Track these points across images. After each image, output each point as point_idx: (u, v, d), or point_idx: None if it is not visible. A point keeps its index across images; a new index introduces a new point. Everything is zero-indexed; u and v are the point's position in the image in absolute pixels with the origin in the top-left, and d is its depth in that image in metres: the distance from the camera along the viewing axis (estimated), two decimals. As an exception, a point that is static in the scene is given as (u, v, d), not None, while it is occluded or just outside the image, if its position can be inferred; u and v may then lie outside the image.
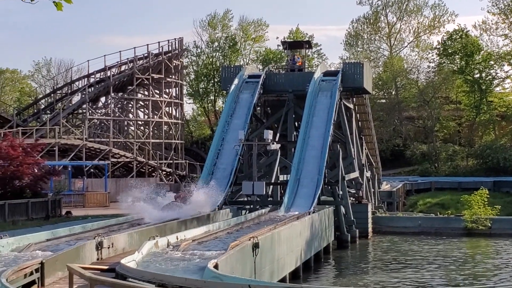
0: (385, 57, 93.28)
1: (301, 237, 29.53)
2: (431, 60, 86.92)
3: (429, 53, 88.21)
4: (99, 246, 21.09)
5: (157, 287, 14.41)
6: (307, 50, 58.33)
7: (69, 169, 54.45)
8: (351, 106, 50.40)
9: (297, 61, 50.85)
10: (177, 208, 32.12)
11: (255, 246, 21.43)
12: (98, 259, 20.90)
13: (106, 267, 17.92)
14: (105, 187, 54.11)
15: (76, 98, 67.80)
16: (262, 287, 13.75)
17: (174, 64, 69.17)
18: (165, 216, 30.19)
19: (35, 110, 70.07)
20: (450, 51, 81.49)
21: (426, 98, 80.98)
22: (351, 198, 44.37)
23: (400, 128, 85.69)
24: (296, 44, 55.58)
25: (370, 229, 43.95)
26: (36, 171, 41.57)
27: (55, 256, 18.62)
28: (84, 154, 56.67)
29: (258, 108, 49.86)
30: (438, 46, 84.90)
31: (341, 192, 41.08)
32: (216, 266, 17.41)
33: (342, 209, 40.90)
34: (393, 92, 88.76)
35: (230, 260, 19.28)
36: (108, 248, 21.70)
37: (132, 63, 66.61)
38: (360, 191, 46.38)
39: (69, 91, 69.64)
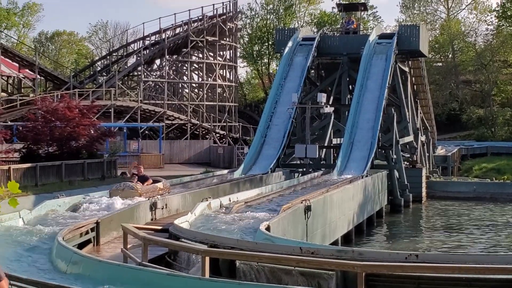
0: (442, 19, 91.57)
1: (354, 201, 29.47)
2: (490, 23, 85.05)
3: (488, 15, 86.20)
4: (153, 206, 21.41)
5: (209, 248, 14.57)
6: (362, 13, 57.49)
7: (124, 130, 55.09)
8: (407, 69, 49.74)
9: (352, 23, 50.23)
10: (126, 191, 22.83)
11: (307, 209, 21.47)
12: (152, 220, 21.22)
13: (159, 228, 18.17)
14: (160, 148, 54.70)
15: (131, 61, 68.48)
16: (313, 250, 13.78)
17: (228, 26, 69.06)
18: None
19: (92, 72, 70.94)
20: (509, 14, 79.40)
21: (484, 62, 79.37)
22: (405, 162, 43.96)
23: (457, 92, 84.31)
24: (351, 6, 54.81)
25: (424, 194, 43.57)
26: (92, 132, 42.13)
27: (110, 216, 18.98)
28: (139, 116, 57.26)
29: (312, 71, 49.58)
30: (497, 8, 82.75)
31: (395, 156, 40.72)
32: (268, 228, 17.50)
33: (396, 173, 40.58)
34: (450, 56, 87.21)
35: (282, 222, 19.37)
36: (162, 208, 22.01)
37: (187, 26, 66.76)
38: (414, 155, 45.93)
39: (125, 54, 70.29)
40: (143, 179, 24.35)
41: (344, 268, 12.33)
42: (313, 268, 12.71)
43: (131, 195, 22.45)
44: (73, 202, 22.05)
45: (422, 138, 51.17)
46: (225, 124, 65.63)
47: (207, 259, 12.85)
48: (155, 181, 24.61)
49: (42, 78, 63.17)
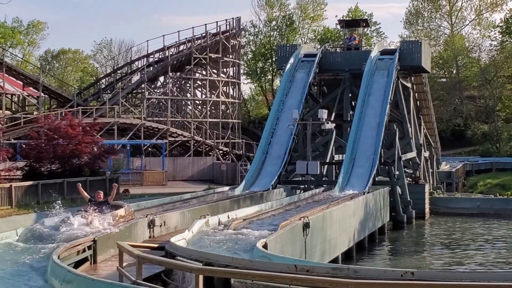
0: (446, 35, 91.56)
1: (355, 217, 29.35)
2: (493, 38, 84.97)
3: (491, 31, 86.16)
4: (151, 224, 21.34)
5: (204, 265, 14.50)
6: (364, 29, 57.61)
7: (128, 148, 55.10)
8: (409, 85, 49.71)
9: (354, 39, 50.30)
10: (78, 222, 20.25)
11: (306, 226, 21.39)
12: (150, 237, 21.17)
13: (156, 245, 18.12)
14: (163, 165, 54.61)
15: (135, 78, 68.52)
16: (308, 268, 13.70)
17: (232, 43, 69.18)
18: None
19: (96, 90, 71.05)
20: (513, 29, 79.50)
21: (488, 77, 79.29)
22: (408, 179, 43.85)
23: (461, 107, 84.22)
24: (353, 22, 54.94)
25: (427, 210, 43.40)
26: (96, 149, 42.10)
27: (108, 234, 18.94)
28: (142, 133, 57.28)
29: (315, 88, 49.66)
30: (500, 24, 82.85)
31: (397, 172, 40.63)
32: (265, 246, 17.44)
33: (398, 189, 40.49)
34: (454, 71, 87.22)
35: (280, 239, 19.28)
36: (160, 226, 21.95)
37: (190, 43, 66.90)
38: (417, 171, 45.82)
39: (129, 71, 70.40)
40: (101, 205, 21.58)
41: (337, 287, 12.22)
42: (307, 286, 12.63)
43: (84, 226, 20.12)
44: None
45: (426, 154, 51.05)
46: (228, 141, 65.60)
47: (201, 277, 12.79)
48: (116, 207, 22.00)
49: (46, 96, 63.28)
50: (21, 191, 34.89)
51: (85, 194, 22.97)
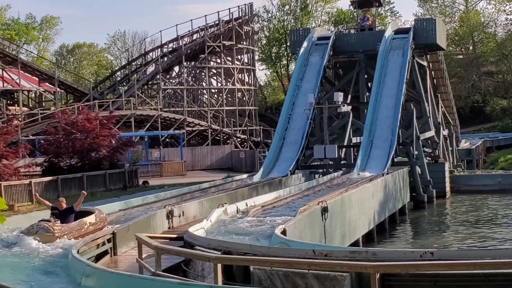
0: (460, 11, 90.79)
1: (374, 199, 29.22)
2: (509, 12, 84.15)
3: (506, 5, 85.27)
4: (170, 215, 21.34)
5: (223, 254, 14.47)
6: (378, 8, 57.19)
7: (146, 139, 55.19)
8: (425, 63, 49.30)
9: (368, 20, 49.91)
10: (41, 234, 18.11)
11: (324, 210, 21.30)
12: (169, 228, 21.17)
13: (175, 236, 18.11)
14: (181, 156, 54.69)
15: (150, 69, 68.55)
16: (326, 252, 13.64)
17: (245, 30, 68.96)
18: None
19: (112, 83, 71.17)
20: (528, 2, 78.68)
21: (505, 52, 78.62)
22: (427, 158, 43.60)
23: (479, 83, 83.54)
24: (366, 2, 54.46)
25: (447, 189, 43.16)
26: (114, 142, 42.24)
27: (127, 226, 18.95)
28: (159, 124, 57.35)
29: (330, 71, 49.40)
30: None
31: (416, 152, 40.38)
32: (284, 232, 17.37)
33: (418, 169, 40.26)
34: (471, 47, 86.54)
35: (299, 225, 19.22)
36: (179, 216, 21.94)
37: (203, 31, 66.77)
38: (437, 150, 45.51)
39: (143, 62, 70.41)
40: (65, 214, 19.42)
41: (356, 270, 12.16)
42: (326, 270, 12.56)
43: (46, 239, 18.12)
44: None
45: (445, 132, 50.68)
46: (245, 128, 65.52)
47: (219, 266, 12.76)
48: (85, 214, 19.91)
49: (62, 91, 63.49)
50: (41, 186, 35.09)
51: (46, 202, 21.10)
